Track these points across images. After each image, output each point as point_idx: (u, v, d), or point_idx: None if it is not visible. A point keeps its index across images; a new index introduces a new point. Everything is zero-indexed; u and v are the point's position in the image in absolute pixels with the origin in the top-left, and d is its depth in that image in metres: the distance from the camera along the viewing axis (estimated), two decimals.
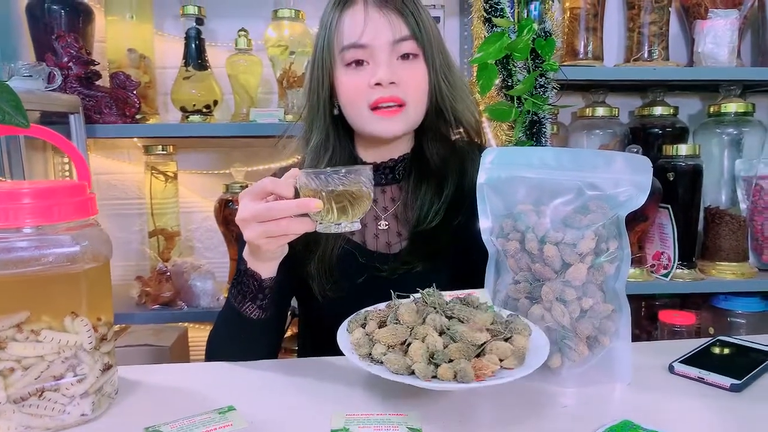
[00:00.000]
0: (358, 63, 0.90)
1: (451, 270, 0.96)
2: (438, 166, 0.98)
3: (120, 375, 0.74)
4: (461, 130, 1.02)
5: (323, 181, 0.70)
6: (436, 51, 0.93)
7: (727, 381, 0.71)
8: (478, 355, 0.62)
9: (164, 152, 1.68)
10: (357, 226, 0.74)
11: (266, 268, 0.82)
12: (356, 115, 0.92)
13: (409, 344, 0.63)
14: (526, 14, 1.46)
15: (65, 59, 1.46)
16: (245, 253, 0.82)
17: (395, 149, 0.99)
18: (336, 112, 0.96)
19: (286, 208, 0.71)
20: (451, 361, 0.61)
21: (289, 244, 0.79)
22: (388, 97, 0.88)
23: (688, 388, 0.73)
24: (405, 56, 0.90)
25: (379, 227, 0.99)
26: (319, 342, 1.02)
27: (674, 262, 1.66)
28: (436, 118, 0.98)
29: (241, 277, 0.83)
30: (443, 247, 0.95)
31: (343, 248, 0.96)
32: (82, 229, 0.66)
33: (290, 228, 0.73)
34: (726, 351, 0.83)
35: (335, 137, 0.97)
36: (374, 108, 0.89)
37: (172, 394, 0.73)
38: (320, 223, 0.73)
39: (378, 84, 0.88)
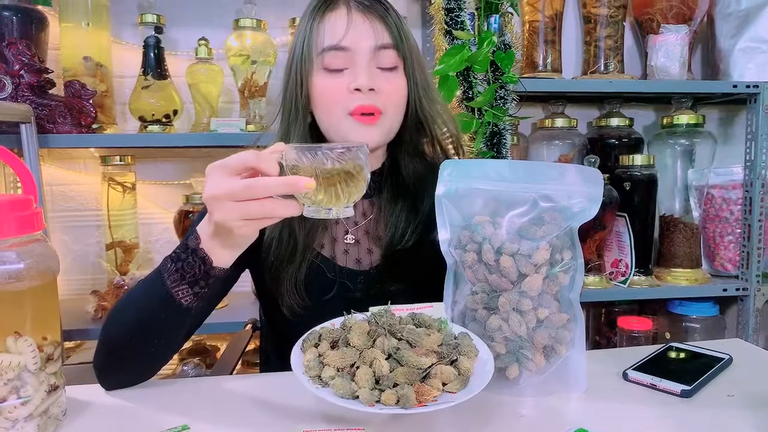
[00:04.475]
0: (337, 69, 0.87)
1: (421, 286, 0.92)
2: (414, 183, 0.96)
3: (69, 395, 0.72)
4: (440, 146, 0.99)
5: (319, 158, 0.61)
6: (417, 65, 0.91)
7: (677, 387, 0.73)
8: (424, 378, 0.63)
9: (122, 163, 1.64)
10: (350, 212, 0.66)
11: (224, 256, 0.71)
12: (331, 121, 0.88)
13: (358, 367, 0.63)
14: (486, 27, 1.48)
15: (16, 67, 1.41)
16: (204, 232, 0.70)
17: None
18: (309, 119, 0.92)
19: (272, 185, 0.62)
20: (396, 385, 0.61)
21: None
22: (367, 106, 0.85)
23: (641, 394, 0.74)
24: (385, 66, 0.88)
25: (349, 242, 0.96)
26: (284, 354, 0.99)
27: (631, 269, 1.71)
28: (416, 133, 0.96)
29: (187, 255, 0.71)
30: (417, 267, 0.92)
31: (311, 262, 0.93)
32: (28, 245, 0.64)
33: (275, 210, 0.63)
34: (678, 357, 0.86)
35: None
36: (351, 114, 0.86)
37: (123, 414, 0.71)
38: (309, 207, 0.65)
39: (357, 90, 0.85)
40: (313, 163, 0.62)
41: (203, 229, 0.70)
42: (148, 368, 0.80)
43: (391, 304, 0.73)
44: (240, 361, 1.31)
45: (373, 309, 0.72)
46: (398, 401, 0.59)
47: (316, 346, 0.68)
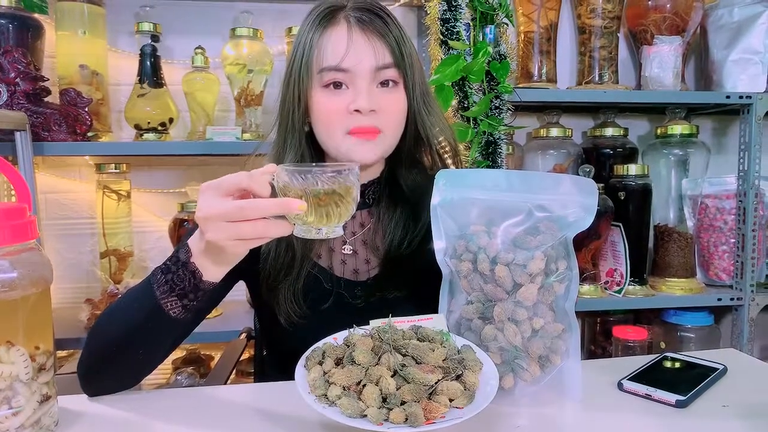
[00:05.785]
0: (336, 85, 0.87)
1: (420, 294, 0.92)
2: (412, 192, 0.96)
3: (61, 405, 0.71)
4: (438, 156, 0.99)
5: (310, 180, 0.63)
6: (417, 76, 0.91)
7: (672, 397, 0.73)
8: (431, 394, 0.62)
9: (117, 171, 1.64)
10: (339, 231, 0.69)
11: (214, 271, 0.72)
12: (330, 138, 0.89)
13: (364, 385, 0.63)
14: (481, 37, 1.49)
15: (12, 75, 1.41)
16: (195, 247, 0.71)
17: (366, 174, 0.96)
18: (306, 129, 0.92)
19: (264, 207, 0.64)
20: (403, 403, 0.61)
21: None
22: (365, 127, 0.86)
23: (636, 405, 0.74)
24: (384, 83, 0.88)
25: (347, 253, 0.96)
26: (281, 364, 0.98)
27: (626, 279, 1.71)
28: (414, 145, 0.96)
29: (178, 268, 0.71)
30: (415, 274, 0.92)
31: (308, 272, 0.93)
32: (21, 253, 0.63)
33: (267, 231, 0.65)
34: (672, 367, 0.86)
35: (309, 157, 0.94)
36: (350, 133, 0.86)
37: (116, 424, 0.70)
38: (299, 227, 0.67)
39: (357, 111, 0.85)
40: (304, 185, 0.64)
41: (195, 244, 0.71)
42: (134, 376, 0.80)
43: (389, 312, 0.73)
44: (234, 371, 1.30)
45: (374, 322, 0.72)
46: (407, 419, 0.59)
47: (321, 363, 0.67)
